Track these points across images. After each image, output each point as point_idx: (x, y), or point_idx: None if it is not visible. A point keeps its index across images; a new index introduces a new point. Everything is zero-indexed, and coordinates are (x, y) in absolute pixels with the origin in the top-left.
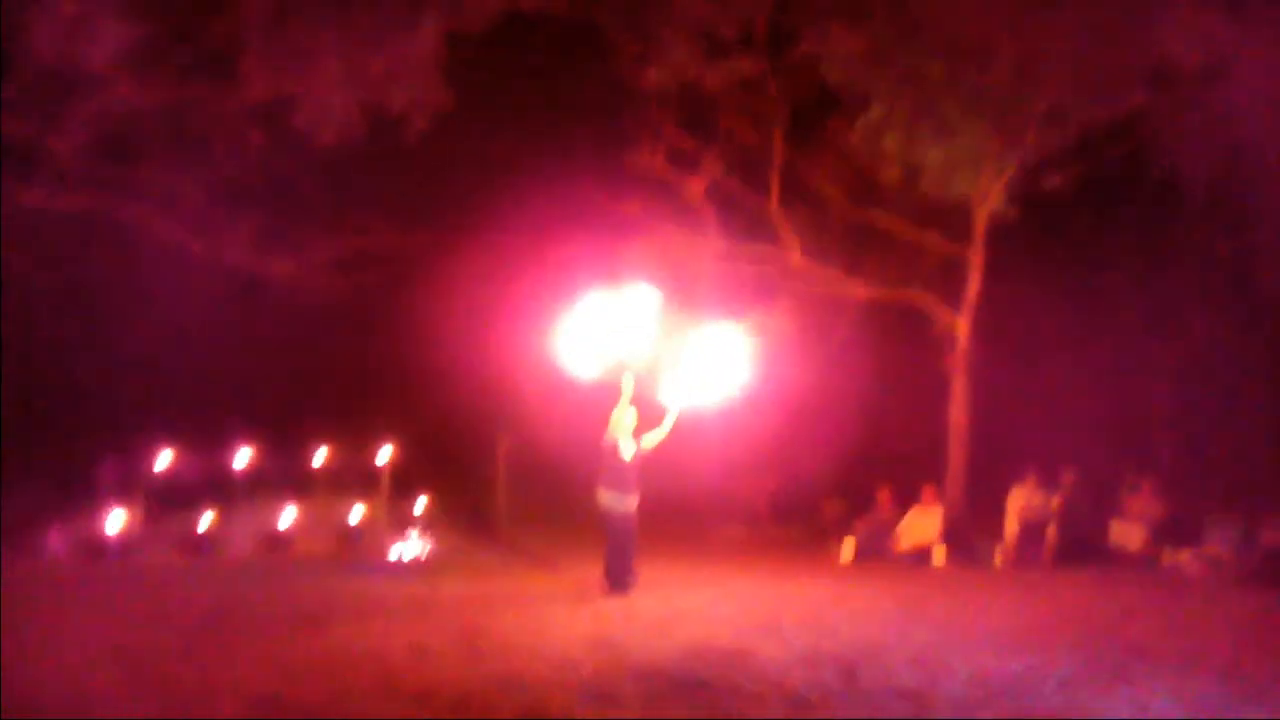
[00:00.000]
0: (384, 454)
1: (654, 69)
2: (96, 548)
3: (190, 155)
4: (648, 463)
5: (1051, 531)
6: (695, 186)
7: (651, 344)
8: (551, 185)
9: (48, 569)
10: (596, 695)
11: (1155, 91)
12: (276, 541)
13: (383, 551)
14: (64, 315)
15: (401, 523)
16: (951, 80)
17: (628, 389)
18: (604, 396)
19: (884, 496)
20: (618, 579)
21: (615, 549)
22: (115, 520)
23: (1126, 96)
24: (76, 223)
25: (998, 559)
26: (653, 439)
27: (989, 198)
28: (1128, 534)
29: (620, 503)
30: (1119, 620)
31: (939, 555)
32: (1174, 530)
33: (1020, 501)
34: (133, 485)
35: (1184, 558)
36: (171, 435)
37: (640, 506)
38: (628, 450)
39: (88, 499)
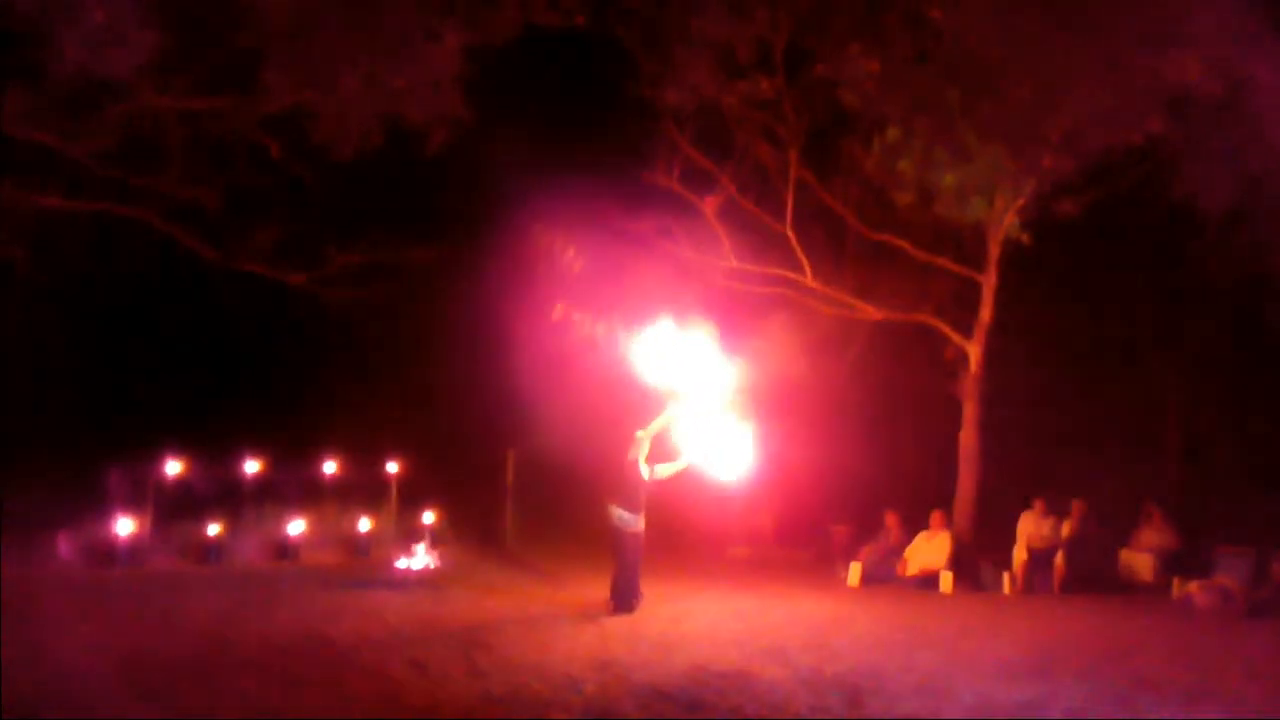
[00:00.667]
0: (393, 466)
1: (672, 88)
2: (106, 554)
3: (209, 163)
4: (656, 484)
5: (1060, 560)
6: (710, 205)
7: (700, 379)
8: (567, 202)
9: (57, 574)
10: (598, 715)
11: (1171, 119)
12: (284, 551)
13: (390, 564)
14: (77, 321)
15: (409, 535)
16: (968, 105)
17: (668, 418)
18: (618, 416)
19: (892, 521)
20: (623, 598)
21: (623, 568)
22: (124, 527)
23: (1142, 124)
24: (93, 228)
25: (1006, 586)
26: (664, 472)
27: (1003, 223)
28: (1137, 564)
29: (631, 522)
30: (1127, 650)
31: (946, 581)
32: (1184, 561)
33: (1029, 529)
34: (142, 492)
35: (1193, 589)
36: (181, 443)
37: (646, 526)
38: (643, 470)
39: (97, 505)
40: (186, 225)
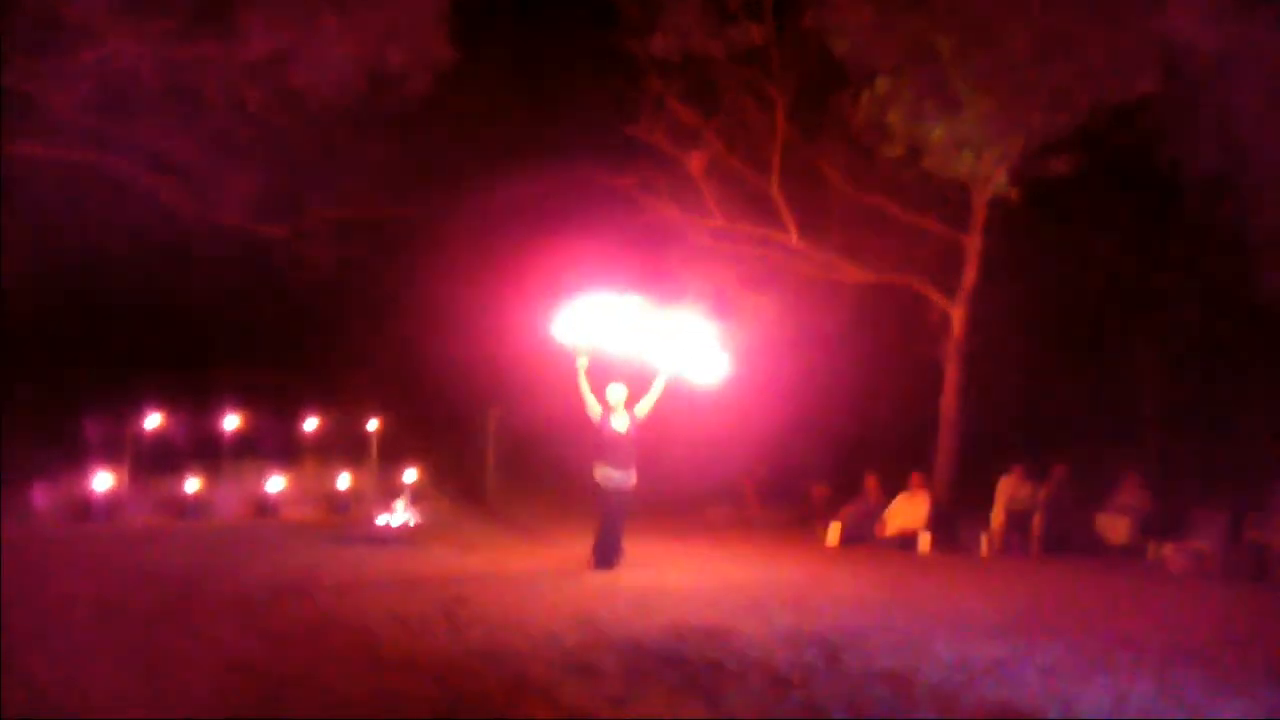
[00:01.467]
0: (373, 423)
1: (658, 35)
2: (82, 508)
3: (187, 112)
4: (638, 442)
5: (1037, 522)
6: (696, 162)
7: (630, 331)
8: (549, 156)
9: (33, 528)
10: (578, 668)
11: (1165, 78)
12: (264, 507)
13: (369, 520)
14: (53, 270)
15: (389, 492)
16: (960, 56)
17: (582, 367)
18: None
19: (871, 482)
20: (605, 555)
21: (607, 525)
22: (102, 481)
23: (1136, 81)
24: (69, 177)
25: (983, 548)
26: (645, 407)
27: (990, 181)
28: (1113, 526)
29: (617, 479)
30: (1102, 610)
31: (924, 542)
32: (1159, 524)
33: (1007, 491)
34: (120, 446)
35: (1168, 551)
36: (160, 397)
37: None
38: (621, 424)
39: (74, 458)
40: (164, 176)
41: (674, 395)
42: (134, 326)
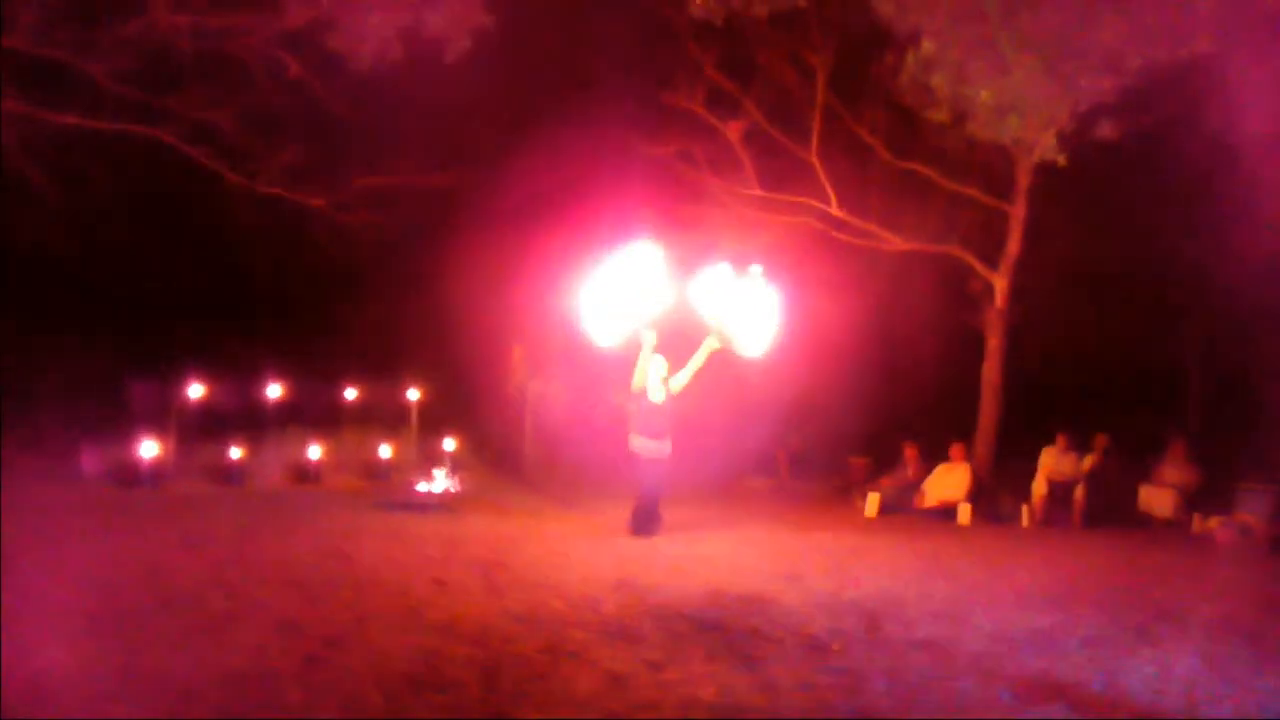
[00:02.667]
0: (413, 393)
1: None
2: (130, 474)
3: (226, 82)
4: (674, 413)
5: (1080, 494)
6: (734, 130)
7: (667, 298)
8: (588, 124)
9: (81, 495)
10: (616, 633)
11: (1217, 40)
12: (306, 474)
13: (409, 488)
14: (99, 240)
15: (429, 461)
16: (1007, 16)
17: (648, 344)
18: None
19: (910, 453)
20: (643, 522)
21: (645, 493)
22: (148, 448)
23: (1190, 41)
24: (112, 149)
25: (1024, 519)
26: (682, 379)
27: (1036, 146)
28: (1158, 499)
29: (653, 448)
30: (1146, 583)
31: (964, 513)
32: (1205, 497)
33: (1050, 462)
34: (165, 413)
35: (1214, 525)
36: (204, 365)
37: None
38: (658, 395)
39: (121, 424)
40: (206, 146)
41: (714, 365)
42: (178, 295)
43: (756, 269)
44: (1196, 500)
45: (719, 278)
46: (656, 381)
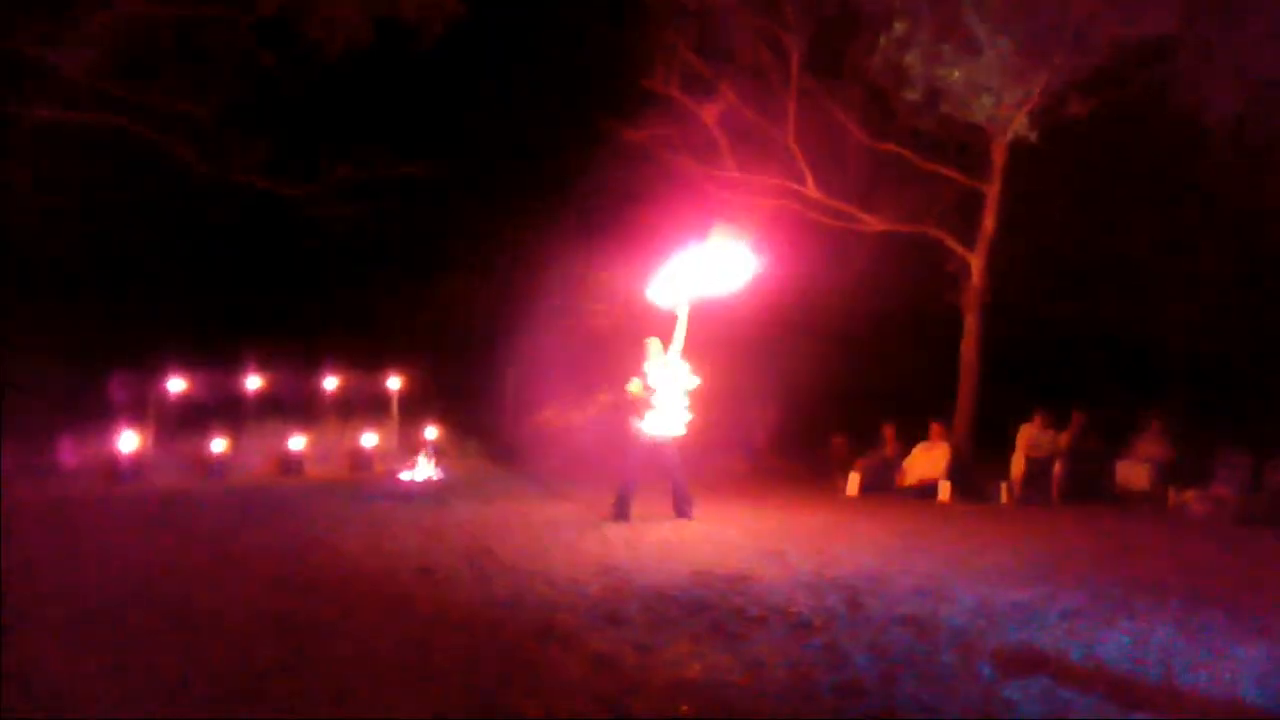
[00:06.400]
0: (394, 381)
1: None
2: (110, 469)
3: (199, 73)
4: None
5: (1058, 470)
6: (710, 113)
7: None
8: (563, 109)
9: (61, 492)
10: (603, 617)
11: (1184, 16)
12: (288, 466)
13: (393, 477)
14: (77, 233)
15: (412, 449)
16: None
17: (653, 348)
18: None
19: (889, 432)
20: (680, 507)
21: (629, 480)
22: (128, 442)
23: (1153, 18)
24: (88, 142)
25: (1003, 496)
26: (676, 349)
27: (1010, 125)
28: (1134, 474)
29: (664, 429)
30: (1123, 556)
31: (944, 490)
32: (1180, 471)
33: (1028, 439)
34: (145, 406)
35: (1189, 497)
36: (182, 359)
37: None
38: (658, 376)
39: (99, 417)
40: (181, 138)
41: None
42: (157, 288)
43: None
44: (1172, 474)
45: (690, 252)
46: (656, 361)
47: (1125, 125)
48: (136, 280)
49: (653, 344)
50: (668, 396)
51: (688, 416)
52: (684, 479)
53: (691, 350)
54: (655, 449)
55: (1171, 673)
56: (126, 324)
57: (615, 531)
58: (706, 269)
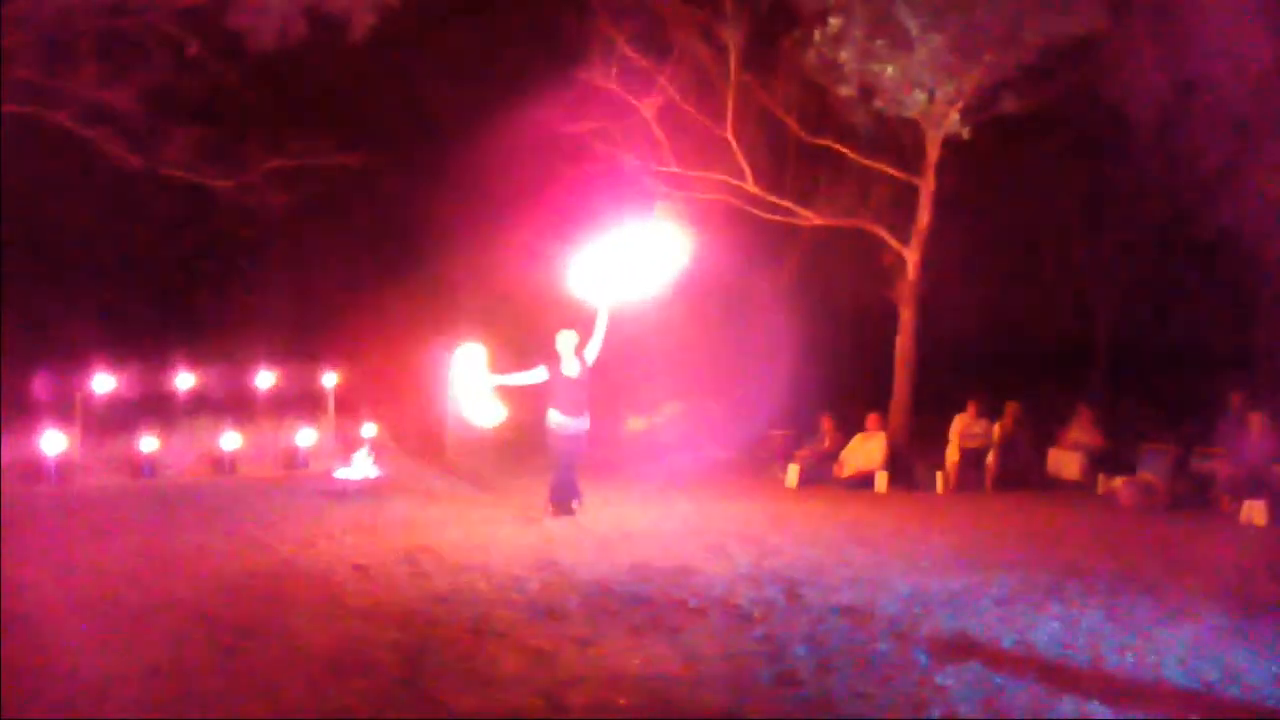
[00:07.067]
0: (329, 378)
1: None
2: (34, 470)
3: (124, 62)
4: (590, 386)
5: (992, 459)
6: (649, 107)
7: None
8: (499, 102)
9: None
10: (542, 611)
11: (1111, 14)
12: (221, 465)
13: (329, 475)
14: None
15: (347, 446)
16: None
17: (565, 338)
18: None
19: (826, 425)
20: (562, 501)
21: (559, 470)
22: (53, 443)
23: (1081, 17)
24: (6, 133)
25: (939, 485)
26: (593, 348)
27: (943, 121)
28: (1066, 462)
29: (571, 425)
30: (1055, 543)
31: (881, 481)
32: (1110, 459)
33: (961, 429)
34: (70, 406)
35: (1118, 484)
36: (109, 356)
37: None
38: (572, 370)
39: (21, 419)
40: (105, 129)
41: (627, 342)
42: (82, 283)
43: (659, 208)
44: (1102, 462)
45: (610, 237)
46: (569, 355)
47: (1055, 122)
48: (61, 275)
49: (565, 336)
50: (572, 390)
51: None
52: (575, 475)
53: (622, 345)
54: (568, 441)
55: (1099, 655)
56: (51, 321)
57: (555, 526)
58: (632, 264)
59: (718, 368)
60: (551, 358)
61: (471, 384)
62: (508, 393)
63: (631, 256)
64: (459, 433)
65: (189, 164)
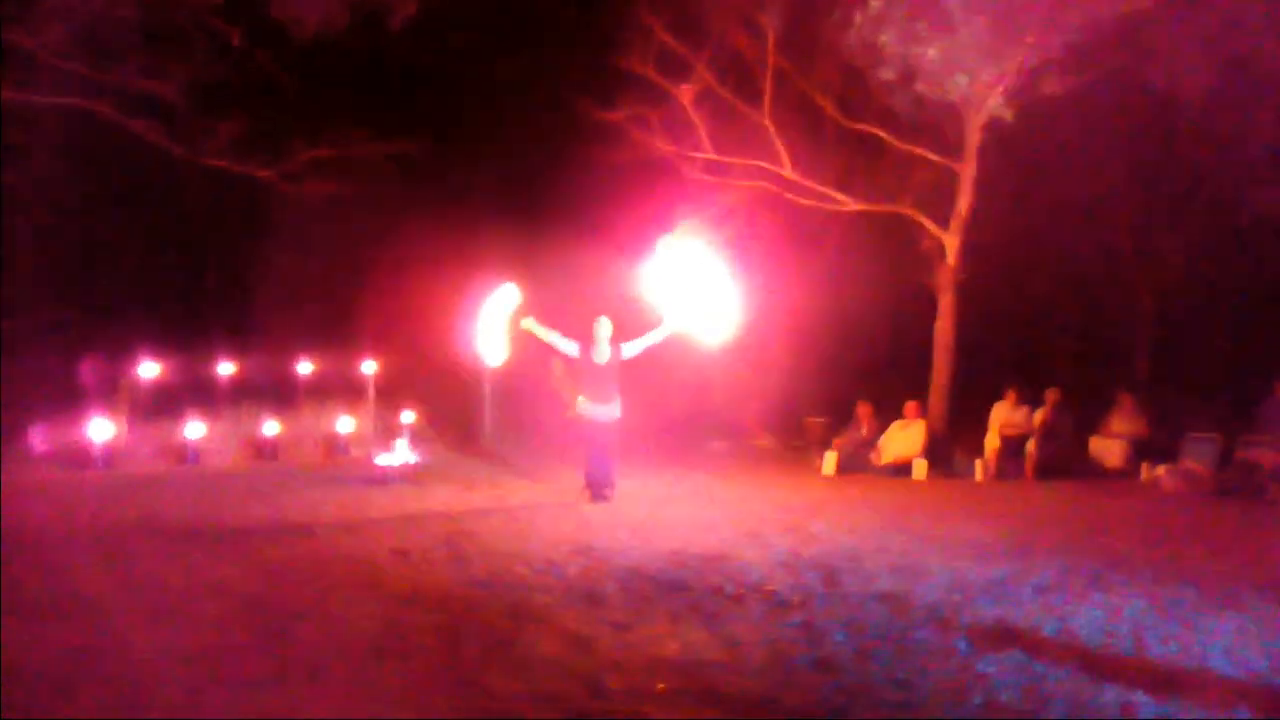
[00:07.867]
0: (369, 366)
1: None
2: (82, 455)
3: (169, 54)
4: (631, 376)
5: (1032, 447)
6: (686, 94)
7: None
8: (539, 90)
9: (31, 475)
10: (580, 596)
11: None
12: (263, 451)
13: (369, 461)
14: (48, 216)
15: (387, 434)
16: None
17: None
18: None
19: (863, 412)
20: (597, 487)
21: (594, 457)
22: (100, 429)
23: None
24: (56, 125)
25: (978, 473)
26: (634, 348)
27: (984, 104)
28: (1108, 450)
29: (599, 412)
30: (1096, 531)
31: (920, 469)
32: (1153, 447)
33: (1001, 417)
34: (117, 392)
35: (1161, 473)
36: (155, 344)
37: (625, 419)
38: (603, 357)
39: (71, 403)
40: (150, 119)
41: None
42: (129, 272)
43: (706, 248)
44: (1144, 450)
45: (674, 259)
46: (603, 343)
47: (1101, 104)
48: (108, 265)
49: (603, 323)
50: (601, 376)
51: (617, 405)
52: (609, 462)
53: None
54: (598, 428)
55: (1143, 645)
56: (98, 309)
57: (593, 513)
58: (694, 309)
59: (756, 356)
60: (587, 340)
61: (498, 321)
62: (527, 342)
63: (690, 297)
64: (495, 421)
65: (230, 153)
